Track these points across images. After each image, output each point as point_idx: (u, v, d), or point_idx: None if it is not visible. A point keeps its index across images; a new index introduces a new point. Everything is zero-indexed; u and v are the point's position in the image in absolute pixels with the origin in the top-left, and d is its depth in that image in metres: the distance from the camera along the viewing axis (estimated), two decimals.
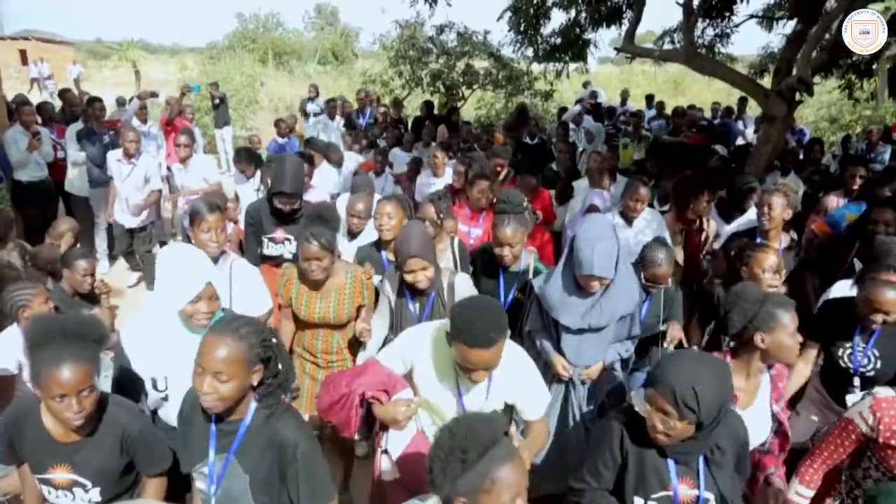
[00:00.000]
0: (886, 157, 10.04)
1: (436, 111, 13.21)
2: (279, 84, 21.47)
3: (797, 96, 7.93)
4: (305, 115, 12.44)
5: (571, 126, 11.02)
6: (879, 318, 2.97)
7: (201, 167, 7.00)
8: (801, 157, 8.58)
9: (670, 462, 2.12)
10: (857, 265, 4.00)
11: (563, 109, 13.35)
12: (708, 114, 12.87)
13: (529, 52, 10.55)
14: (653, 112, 12.54)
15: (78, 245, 4.87)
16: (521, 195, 4.03)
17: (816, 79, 8.97)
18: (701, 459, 2.13)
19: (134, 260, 7.32)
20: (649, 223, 4.90)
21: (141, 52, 31.34)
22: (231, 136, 13.42)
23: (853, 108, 14.39)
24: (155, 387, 2.67)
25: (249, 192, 6.15)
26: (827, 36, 7.85)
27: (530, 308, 3.33)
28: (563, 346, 3.16)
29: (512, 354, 2.45)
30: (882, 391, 2.41)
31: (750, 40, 12.28)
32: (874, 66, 8.58)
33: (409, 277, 3.11)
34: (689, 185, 5.27)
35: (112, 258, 7.74)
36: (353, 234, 4.56)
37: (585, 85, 15.07)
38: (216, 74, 17.03)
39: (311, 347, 3.56)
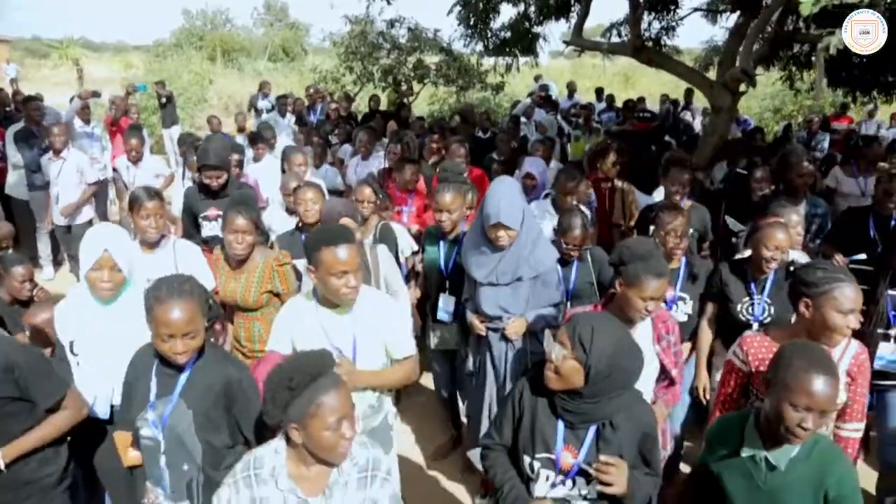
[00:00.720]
0: (825, 144, 10.39)
1: (386, 107, 13.19)
2: (229, 82, 21.05)
3: (741, 87, 8.13)
4: (256, 112, 12.24)
5: (523, 119, 11.09)
6: (769, 254, 3.31)
7: (152, 163, 6.88)
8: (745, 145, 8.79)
9: (560, 424, 2.16)
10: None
11: (515, 103, 13.48)
12: (657, 106, 13.10)
13: (479, 46, 10.55)
14: (603, 105, 12.69)
15: (10, 250, 4.66)
16: (462, 166, 4.11)
17: (759, 70, 9.21)
18: (592, 430, 2.14)
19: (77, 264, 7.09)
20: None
21: (83, 50, 30.34)
22: (179, 136, 13.10)
23: (795, 98, 14.83)
24: (72, 350, 2.86)
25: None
26: (768, 28, 8.08)
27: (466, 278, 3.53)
28: (480, 299, 3.33)
29: (376, 299, 2.76)
30: (746, 333, 2.70)
31: (696, 33, 12.59)
32: (813, 58, 8.82)
33: None
34: (598, 149, 5.60)
35: (57, 264, 7.48)
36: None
37: (537, 78, 15.15)
38: (163, 73, 16.61)
39: (236, 335, 3.67)
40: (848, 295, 2.40)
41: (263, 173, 6.34)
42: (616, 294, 2.71)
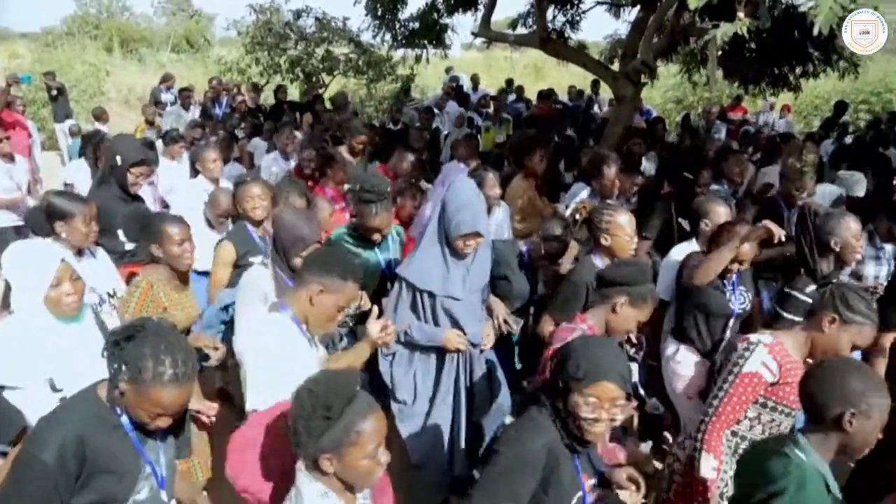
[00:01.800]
0: (722, 134, 10.91)
1: (298, 99, 12.89)
2: (128, 74, 19.99)
3: (643, 79, 8.40)
4: (158, 105, 11.69)
5: (435, 111, 11.08)
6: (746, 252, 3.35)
7: (23, 165, 6.36)
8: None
9: (576, 460, 1.98)
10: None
11: (405, 91, 13.66)
12: (565, 97, 13.38)
13: (388, 37, 10.43)
14: (513, 96, 12.84)
15: None
16: (386, 181, 3.99)
17: (660, 63, 9.54)
18: (591, 448, 2.06)
19: None
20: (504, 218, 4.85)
21: None
22: (84, 135, 12.33)
23: (694, 90, 15.48)
24: (53, 388, 2.46)
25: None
26: (666, 22, 8.35)
27: (396, 303, 3.13)
28: (458, 315, 3.09)
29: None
30: (763, 337, 2.50)
31: (601, 27, 12.90)
32: (707, 52, 9.19)
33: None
34: (523, 143, 5.35)
35: None
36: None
37: (448, 70, 15.19)
38: (53, 63, 15.59)
39: None
40: (868, 335, 2.42)
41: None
42: (608, 310, 2.69)
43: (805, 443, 1.89)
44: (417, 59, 10.71)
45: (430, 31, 10.05)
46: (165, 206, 5.56)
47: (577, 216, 3.46)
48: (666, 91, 18.43)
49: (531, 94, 13.95)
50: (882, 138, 9.48)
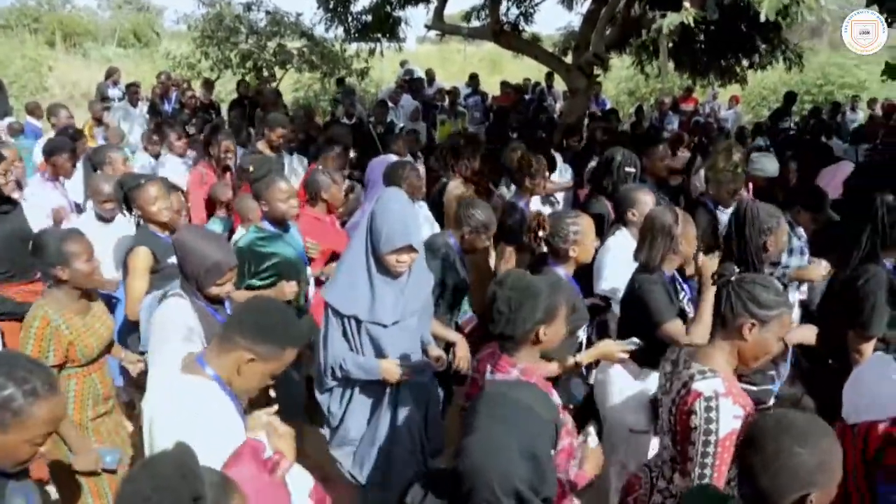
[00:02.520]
0: (675, 125, 11.10)
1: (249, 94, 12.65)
2: (72, 69, 19.33)
3: (595, 71, 8.49)
4: (104, 100, 11.32)
5: (390, 105, 11.01)
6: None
7: None
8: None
9: None
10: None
11: (340, 80, 13.58)
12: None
13: (341, 30, 10.32)
14: (469, 89, 12.83)
15: None
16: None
17: (613, 55, 9.64)
18: None
19: None
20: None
21: None
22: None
23: (646, 81, 15.71)
24: None
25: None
26: (618, 15, 8.45)
27: (327, 331, 2.79)
28: (385, 347, 2.76)
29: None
30: (715, 385, 2.10)
31: (556, 20, 13.01)
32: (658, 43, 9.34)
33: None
34: (451, 148, 5.23)
35: None
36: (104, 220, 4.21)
37: (402, 64, 15.08)
38: None
39: (82, 397, 2.93)
40: (787, 321, 2.20)
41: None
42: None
43: None
44: (371, 52, 10.61)
45: (383, 25, 9.97)
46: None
47: (540, 231, 3.23)
48: (619, 83, 18.67)
49: (487, 86, 13.98)
50: (825, 128, 9.77)
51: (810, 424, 1.59)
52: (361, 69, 13.64)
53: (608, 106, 11.77)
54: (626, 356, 2.94)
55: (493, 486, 1.48)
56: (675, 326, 2.95)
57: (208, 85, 11.82)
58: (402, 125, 10.21)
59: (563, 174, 6.17)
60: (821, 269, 4.06)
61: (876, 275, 3.16)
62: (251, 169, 4.58)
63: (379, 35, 10.37)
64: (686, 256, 3.23)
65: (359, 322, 2.73)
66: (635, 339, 2.94)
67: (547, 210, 4.83)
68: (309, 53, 13.64)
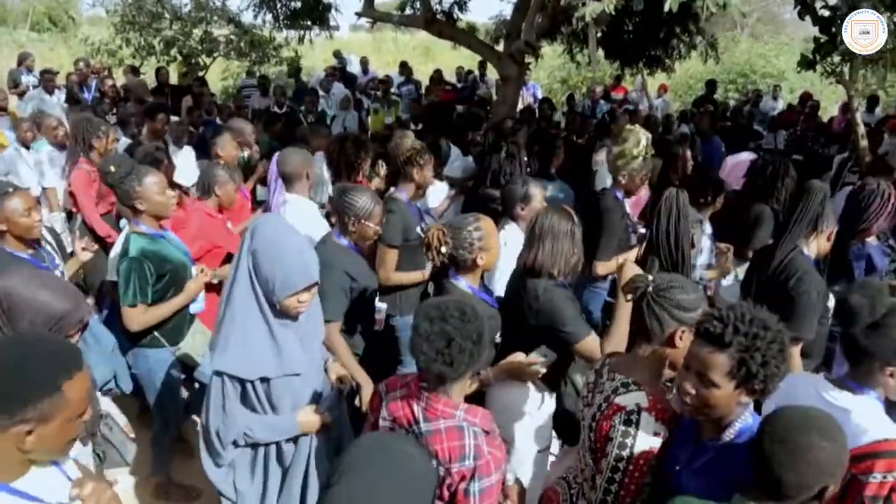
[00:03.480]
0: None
1: (177, 82, 12.21)
2: None
3: (527, 59, 8.52)
4: (16, 87, 10.72)
5: (321, 93, 10.83)
6: None
7: None
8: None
9: None
10: None
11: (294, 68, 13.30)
12: (453, 78, 13.42)
13: (270, 17, 10.05)
14: (402, 78, 12.74)
15: None
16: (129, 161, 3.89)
17: (545, 43, 9.72)
18: None
19: None
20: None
21: None
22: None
23: (578, 70, 15.94)
24: None
25: None
26: (547, 3, 8.50)
27: (223, 403, 2.33)
28: (301, 395, 2.44)
29: None
30: (638, 399, 1.99)
31: (489, 8, 12.98)
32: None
33: None
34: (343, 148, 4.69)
35: None
36: None
37: (336, 54, 14.81)
38: None
39: None
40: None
41: None
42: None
43: None
44: (301, 39, 10.37)
45: (312, 11, 9.75)
46: None
47: (443, 248, 2.78)
48: (552, 71, 18.88)
49: (421, 75, 13.91)
50: (738, 115, 10.16)
51: (830, 420, 1.64)
52: (292, 58, 13.35)
53: (539, 93, 11.88)
54: (538, 373, 2.70)
55: None
56: (592, 343, 2.75)
57: (135, 72, 11.35)
58: (333, 114, 10.08)
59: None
60: (728, 262, 4.03)
61: (807, 272, 3.04)
62: (112, 170, 4.04)
63: (309, 22, 10.14)
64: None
65: (266, 380, 2.32)
66: (544, 351, 2.75)
67: None
68: (237, 41, 13.26)
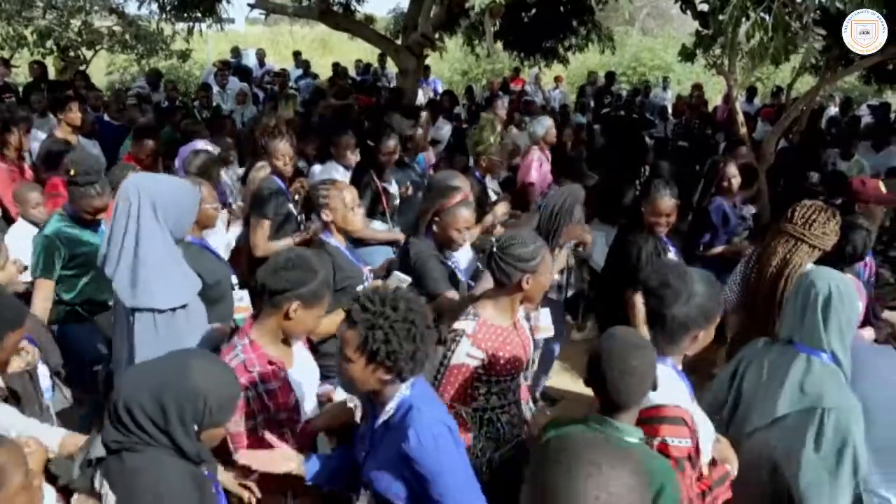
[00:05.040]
0: (505, 104, 11.44)
1: (54, 76, 11.40)
2: None
3: (426, 51, 8.51)
4: None
5: (217, 89, 10.42)
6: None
7: None
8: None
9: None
10: None
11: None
12: (352, 71, 13.24)
13: (155, 7, 9.53)
14: (300, 71, 12.45)
15: None
16: (99, 161, 3.78)
17: (445, 35, 9.73)
18: None
19: None
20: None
21: None
22: None
23: (478, 62, 16.12)
24: None
25: None
26: None
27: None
28: None
29: None
30: (466, 325, 2.46)
31: (389, 1, 12.94)
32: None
33: None
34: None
35: None
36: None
37: (235, 50, 14.26)
38: None
39: None
40: (548, 257, 2.51)
41: None
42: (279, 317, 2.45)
43: (621, 423, 1.86)
44: (190, 31, 9.91)
45: (201, 2, 9.33)
46: None
47: (296, 196, 3.36)
48: (453, 64, 18.99)
49: (318, 68, 13.65)
50: (639, 106, 10.58)
51: (634, 333, 1.99)
52: (183, 51, 12.74)
53: (440, 87, 11.92)
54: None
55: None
56: (450, 296, 3.13)
57: (6, 64, 10.49)
58: (229, 108, 9.71)
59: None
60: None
61: (637, 240, 3.69)
62: (73, 172, 3.93)
63: (198, 14, 9.70)
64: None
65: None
66: (399, 275, 3.05)
67: None
68: (122, 33, 12.51)
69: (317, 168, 5.56)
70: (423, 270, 3.16)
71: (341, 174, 5.01)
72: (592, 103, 11.68)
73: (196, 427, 1.77)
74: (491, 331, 2.44)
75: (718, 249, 4.56)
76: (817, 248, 3.03)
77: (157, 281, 2.47)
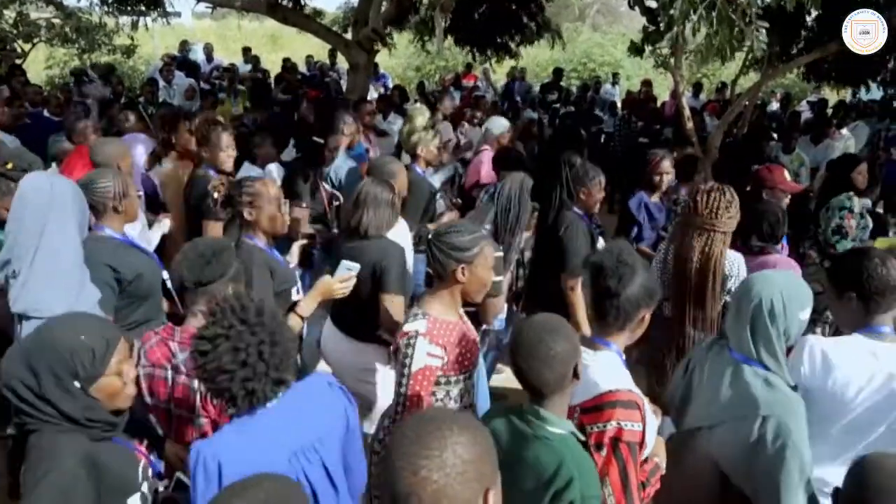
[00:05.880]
0: (457, 100, 11.45)
1: None
2: None
3: (376, 46, 8.45)
4: None
5: (162, 84, 10.16)
6: None
7: None
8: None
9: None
10: None
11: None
12: (303, 67, 13.05)
13: None
14: (248, 66, 12.22)
15: None
16: None
17: (395, 31, 9.69)
18: None
19: None
20: None
21: None
22: None
23: (430, 58, 16.10)
24: None
25: None
26: None
27: None
28: None
29: None
30: (417, 326, 2.35)
31: None
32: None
33: None
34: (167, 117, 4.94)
35: None
36: None
37: (184, 44, 13.88)
38: None
39: None
40: (489, 249, 2.40)
41: None
42: None
43: (546, 413, 1.84)
44: (134, 25, 9.61)
45: None
46: None
47: (215, 194, 3.06)
48: (405, 59, 18.93)
49: (268, 64, 13.42)
50: (589, 101, 10.71)
51: (552, 317, 1.90)
52: (127, 46, 12.34)
53: (390, 83, 11.86)
54: (349, 287, 2.90)
55: None
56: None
57: None
58: (177, 104, 9.47)
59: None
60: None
61: (571, 223, 3.75)
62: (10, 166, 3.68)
63: (142, 7, 9.43)
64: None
65: None
66: (348, 264, 2.90)
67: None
68: (61, 25, 12.04)
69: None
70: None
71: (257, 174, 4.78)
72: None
73: (77, 383, 1.71)
74: (444, 326, 2.33)
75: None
76: (727, 233, 3.13)
77: (44, 287, 2.43)
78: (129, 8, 9.29)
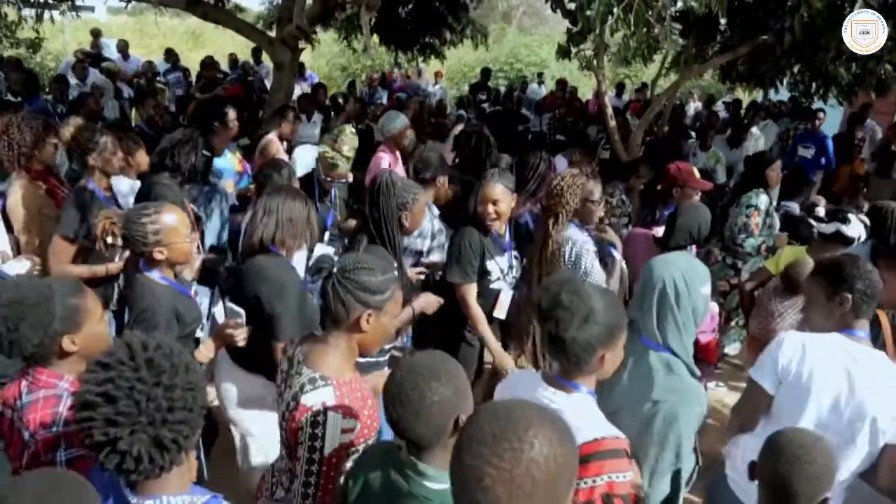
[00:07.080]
0: (384, 99, 11.41)
1: None
2: None
3: (301, 44, 8.29)
4: None
5: (75, 81, 9.66)
6: None
7: None
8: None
9: None
10: None
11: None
12: (226, 65, 12.67)
13: None
14: (168, 65, 11.79)
15: None
16: None
17: (320, 29, 9.52)
18: None
19: None
20: None
21: None
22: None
23: (356, 57, 15.95)
24: None
25: None
26: None
27: None
28: None
29: None
30: (324, 396, 1.92)
31: None
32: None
33: None
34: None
35: None
36: None
37: (96, 34, 13.19)
38: None
39: None
40: (399, 296, 2.06)
41: None
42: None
43: (425, 467, 1.60)
44: (39, 18, 9.08)
45: None
46: None
47: (109, 238, 2.55)
48: (331, 58, 18.71)
49: (189, 62, 12.98)
50: (516, 101, 10.85)
51: (432, 357, 1.63)
52: (33, 40, 11.69)
53: (316, 80, 11.68)
54: (242, 337, 2.65)
55: None
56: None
57: None
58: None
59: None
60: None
61: (460, 232, 3.42)
62: None
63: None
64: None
65: None
66: (235, 308, 2.68)
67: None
68: None
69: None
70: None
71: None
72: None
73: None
74: (349, 391, 1.92)
75: None
76: (565, 213, 3.35)
77: None
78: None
